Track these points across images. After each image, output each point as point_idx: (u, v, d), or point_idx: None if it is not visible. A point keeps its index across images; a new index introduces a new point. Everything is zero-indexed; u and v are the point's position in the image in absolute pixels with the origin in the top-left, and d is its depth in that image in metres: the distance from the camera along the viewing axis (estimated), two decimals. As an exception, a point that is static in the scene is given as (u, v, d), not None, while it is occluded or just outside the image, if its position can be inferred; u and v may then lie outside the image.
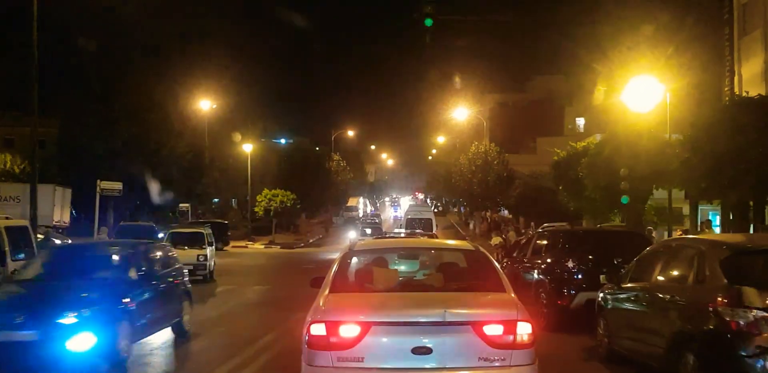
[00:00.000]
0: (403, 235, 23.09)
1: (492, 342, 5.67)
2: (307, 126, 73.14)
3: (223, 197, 48.96)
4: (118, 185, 28.39)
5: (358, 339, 5.64)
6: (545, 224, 33.73)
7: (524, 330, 5.75)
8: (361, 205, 75.92)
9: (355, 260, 7.36)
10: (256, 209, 45.46)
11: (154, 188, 46.33)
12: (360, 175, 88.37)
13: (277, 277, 26.18)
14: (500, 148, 53.58)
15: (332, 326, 5.72)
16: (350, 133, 73.32)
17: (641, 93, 19.26)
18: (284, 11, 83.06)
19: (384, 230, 38.90)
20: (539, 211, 48.94)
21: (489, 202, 53.43)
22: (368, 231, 42.26)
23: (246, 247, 44.21)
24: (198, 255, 21.49)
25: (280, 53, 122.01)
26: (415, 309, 5.96)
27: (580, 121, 74.54)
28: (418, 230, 29.33)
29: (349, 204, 72.52)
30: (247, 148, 46.01)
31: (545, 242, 14.16)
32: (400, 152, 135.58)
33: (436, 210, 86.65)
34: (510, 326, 5.70)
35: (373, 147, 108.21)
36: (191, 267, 20.92)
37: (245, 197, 46.10)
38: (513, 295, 6.42)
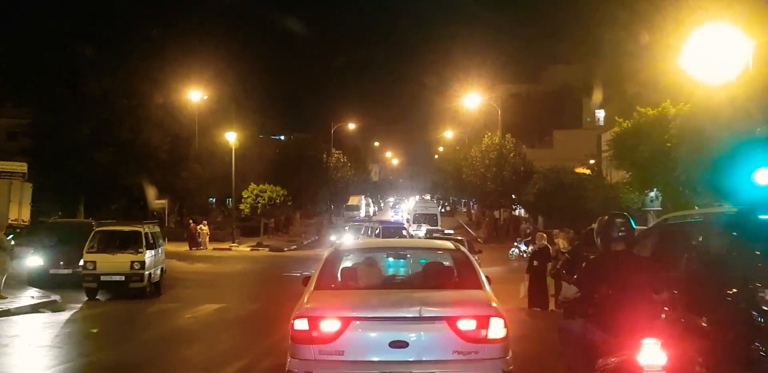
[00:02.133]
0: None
1: (465, 336, 5.90)
2: (306, 120, 67.77)
3: (206, 193, 43.55)
4: (19, 166, 22.88)
5: (339, 333, 5.88)
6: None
7: (496, 325, 5.95)
8: (363, 204, 70.25)
9: (341, 258, 7.67)
10: (242, 207, 40.03)
11: (128, 182, 41.15)
12: (362, 173, 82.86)
13: (247, 288, 20.90)
14: (516, 140, 48.04)
15: (314, 321, 5.95)
16: (351, 126, 67.74)
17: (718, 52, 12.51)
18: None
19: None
20: (561, 209, 43.47)
21: (504, 199, 47.93)
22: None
23: (230, 249, 38.90)
24: (132, 262, 16.21)
25: (279, 44, 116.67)
26: (393, 306, 6.19)
27: (600, 114, 69.27)
28: (424, 224, 31.67)
29: (349, 203, 66.96)
30: (231, 137, 40.54)
31: None
32: (405, 151, 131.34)
33: (443, 210, 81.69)
34: (483, 321, 5.92)
35: (376, 144, 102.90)
36: (122, 278, 15.69)
37: (229, 194, 40.63)
38: (489, 292, 6.61)
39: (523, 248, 33.51)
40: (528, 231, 40.20)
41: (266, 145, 49.91)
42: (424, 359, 5.93)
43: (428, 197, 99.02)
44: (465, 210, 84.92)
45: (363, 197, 71.69)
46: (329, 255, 7.55)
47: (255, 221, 43.57)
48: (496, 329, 6.00)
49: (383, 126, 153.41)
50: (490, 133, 48.94)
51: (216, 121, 45.62)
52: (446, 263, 7.58)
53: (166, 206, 39.49)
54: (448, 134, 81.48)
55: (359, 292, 6.88)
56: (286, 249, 38.99)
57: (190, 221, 40.10)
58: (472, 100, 48.33)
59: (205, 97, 47.46)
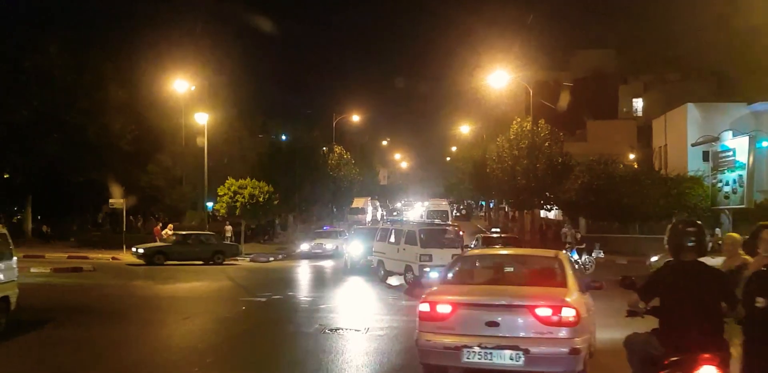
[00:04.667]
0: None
1: (542, 320, 7.51)
2: (304, 113, 59.87)
3: (177, 191, 35.74)
4: None
5: (450, 314, 7.81)
6: None
7: (567, 313, 7.50)
8: (370, 207, 62.21)
9: (465, 262, 9.92)
10: (217, 207, 32.22)
11: (79, 177, 33.55)
12: (369, 173, 74.95)
13: (154, 330, 13.04)
14: (551, 127, 40.13)
15: (433, 305, 7.95)
16: (355, 118, 60.12)
17: None
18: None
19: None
20: (611, 209, 35.48)
21: (539, 198, 39.96)
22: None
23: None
24: None
25: (277, 27, 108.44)
26: (490, 296, 8.07)
27: (638, 103, 61.60)
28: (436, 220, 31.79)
29: (354, 206, 58.98)
30: (201, 119, 32.76)
31: None
32: (416, 153, 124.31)
33: (458, 214, 74.03)
34: (556, 310, 7.51)
35: (384, 142, 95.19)
36: None
37: (202, 191, 32.78)
38: (571, 289, 8.16)
39: (575, 257, 25.74)
40: (578, 237, 32.32)
41: (257, 141, 42.11)
42: (510, 335, 7.55)
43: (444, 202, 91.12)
44: (483, 214, 76.91)
45: (369, 199, 63.64)
46: (456, 259, 10.67)
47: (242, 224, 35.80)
48: (567, 316, 7.47)
49: (392, 123, 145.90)
50: (519, 119, 41.01)
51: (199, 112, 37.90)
52: (542, 267, 9.13)
53: (124, 206, 31.72)
54: (464, 129, 73.72)
55: (469, 286, 8.83)
56: (271, 259, 31.18)
57: (159, 223, 32.43)
58: (498, 79, 40.35)
59: (193, 88, 39.71)
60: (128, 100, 35.21)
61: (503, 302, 7.73)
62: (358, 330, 12.05)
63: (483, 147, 58.11)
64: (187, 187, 35.50)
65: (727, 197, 33.12)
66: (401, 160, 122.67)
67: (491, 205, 72.51)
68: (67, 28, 35.35)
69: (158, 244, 28.54)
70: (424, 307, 7.97)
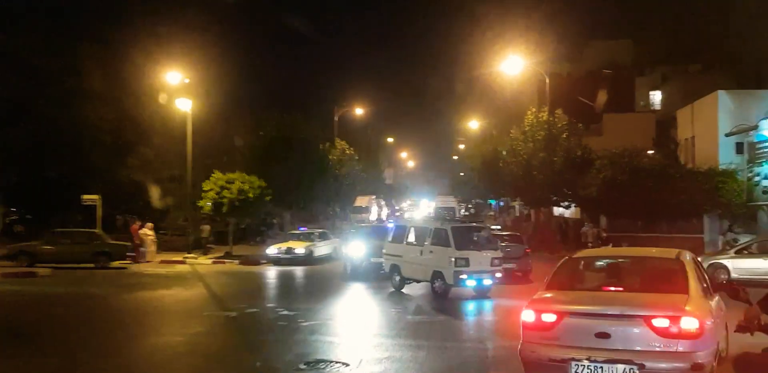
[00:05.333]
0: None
1: (659, 332, 6.82)
2: (304, 107, 56.57)
3: (161, 186, 32.54)
4: None
5: (555, 324, 7.15)
6: None
7: (688, 324, 6.77)
8: (374, 206, 58.96)
9: (575, 265, 8.68)
10: (201, 203, 29.04)
11: (52, 170, 30.55)
12: (374, 171, 71.74)
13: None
14: (569, 118, 36.86)
15: (538, 314, 7.29)
16: (358, 111, 56.85)
17: None
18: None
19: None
20: (638, 205, 32.20)
21: (556, 194, 36.67)
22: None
23: (183, 262, 27.98)
24: None
25: (277, 19, 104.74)
26: (600, 304, 7.29)
27: (656, 96, 58.32)
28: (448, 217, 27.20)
29: (357, 204, 55.74)
30: (184, 105, 29.57)
31: None
32: (423, 152, 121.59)
33: (466, 213, 71.05)
34: (675, 320, 6.78)
35: (390, 140, 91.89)
36: None
37: (189, 186, 29.51)
38: (694, 296, 7.34)
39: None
40: (604, 236, 29.08)
41: (250, 133, 38.85)
42: (623, 348, 6.86)
43: (451, 200, 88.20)
44: (492, 213, 73.67)
45: (374, 197, 60.40)
46: (564, 261, 8.63)
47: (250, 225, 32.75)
48: (688, 327, 6.75)
49: (398, 122, 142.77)
50: (534, 109, 37.75)
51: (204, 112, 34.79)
52: (661, 270, 8.25)
53: (99, 203, 28.65)
54: (473, 125, 70.61)
55: (579, 292, 8.01)
56: (264, 261, 27.99)
57: (137, 222, 29.31)
58: (512, 65, 37.02)
59: (187, 81, 36.55)
60: (107, 88, 32.10)
61: (615, 312, 7.09)
62: (347, 364, 8.95)
63: (493, 143, 55.02)
64: (171, 183, 32.28)
65: (765, 192, 29.86)
66: (408, 160, 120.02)
67: (501, 204, 69.30)
68: (40, 10, 32.01)
69: (27, 243, 25.27)
70: (528, 315, 7.43)
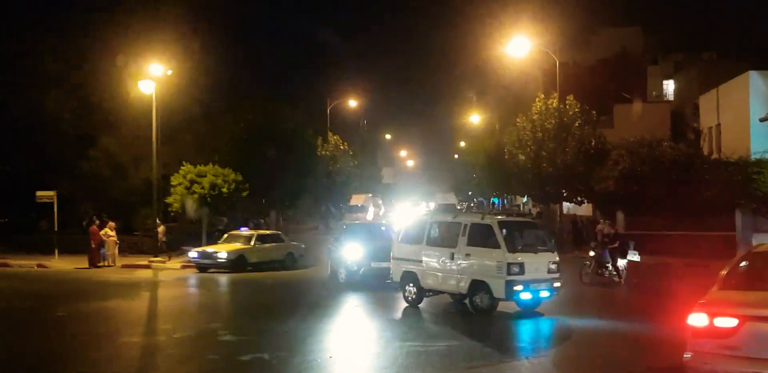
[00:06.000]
0: None
1: None
2: (294, 97, 53.01)
3: (126, 181, 29.09)
4: None
5: (735, 330, 5.98)
6: None
7: None
8: (371, 205, 55.55)
9: (756, 260, 7.35)
10: (169, 200, 25.60)
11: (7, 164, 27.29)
12: (371, 168, 68.37)
13: None
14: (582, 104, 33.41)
15: (712, 317, 6.16)
16: (352, 103, 53.52)
17: None
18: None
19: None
20: (662, 199, 28.83)
21: (568, 189, 33.24)
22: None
23: (148, 266, 24.58)
24: None
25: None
26: None
27: (669, 85, 55.00)
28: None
29: (352, 203, 52.37)
30: (147, 87, 26.09)
31: None
32: (423, 152, 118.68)
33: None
34: None
35: (388, 136, 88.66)
36: None
37: (156, 181, 25.94)
38: None
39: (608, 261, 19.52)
40: (612, 232, 25.50)
41: (231, 123, 35.42)
42: None
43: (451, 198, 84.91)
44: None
45: (370, 196, 57.01)
46: (740, 256, 7.54)
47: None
48: None
49: (396, 116, 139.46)
50: (542, 96, 34.32)
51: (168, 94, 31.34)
52: None
53: (55, 200, 25.29)
54: (475, 119, 67.27)
55: (761, 293, 6.62)
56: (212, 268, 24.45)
57: (96, 221, 25.91)
58: (518, 48, 33.52)
59: (170, 72, 33.16)
60: (67, 73, 28.71)
61: None
62: None
63: (496, 137, 51.76)
64: (137, 178, 28.80)
65: (808, 185, 26.44)
66: (407, 158, 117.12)
67: (505, 202, 65.85)
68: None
69: None
70: (698, 319, 6.29)
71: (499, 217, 14.17)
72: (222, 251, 22.94)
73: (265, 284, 20.23)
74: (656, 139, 31.58)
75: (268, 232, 26.68)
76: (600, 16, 62.18)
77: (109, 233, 25.22)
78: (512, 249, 12.73)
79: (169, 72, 33.21)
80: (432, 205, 56.86)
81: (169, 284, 19.65)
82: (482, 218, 13.67)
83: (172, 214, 27.70)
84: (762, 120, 29.15)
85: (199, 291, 18.53)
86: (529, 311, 13.18)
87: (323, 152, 46.91)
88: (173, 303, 15.54)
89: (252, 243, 23.79)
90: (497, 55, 38.86)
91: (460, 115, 74.55)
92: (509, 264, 12.52)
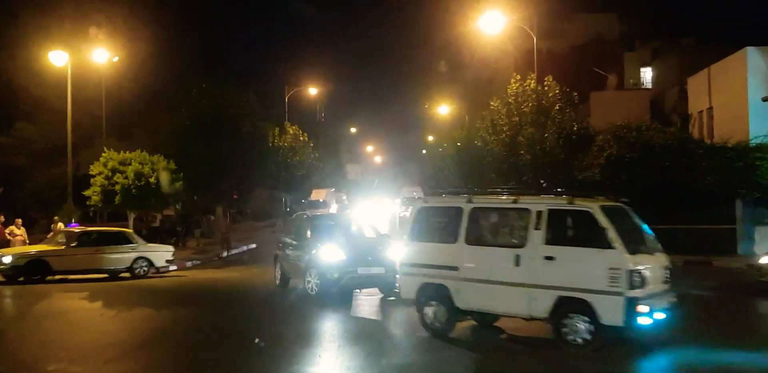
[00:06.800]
0: None
1: None
2: (251, 83, 49.36)
3: (44, 172, 25.24)
4: None
5: None
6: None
7: None
8: (333, 200, 51.98)
9: None
10: (87, 193, 21.73)
11: None
12: (334, 162, 64.81)
13: None
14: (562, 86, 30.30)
15: None
16: (312, 90, 49.86)
17: None
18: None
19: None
20: (653, 189, 25.85)
21: (548, 180, 30.09)
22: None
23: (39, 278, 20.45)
24: None
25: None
26: None
27: (646, 72, 52.55)
28: None
29: (313, 197, 48.76)
30: (57, 59, 22.15)
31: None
32: (389, 147, 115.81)
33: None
34: None
35: (353, 130, 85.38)
36: None
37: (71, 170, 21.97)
38: None
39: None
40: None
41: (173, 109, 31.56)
42: None
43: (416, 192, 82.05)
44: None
45: (332, 190, 53.40)
46: None
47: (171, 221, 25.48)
48: None
49: (362, 111, 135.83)
50: (518, 77, 31.12)
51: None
52: None
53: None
54: (443, 110, 64.09)
55: None
56: (163, 271, 20.62)
57: (1, 218, 21.92)
58: (492, 22, 30.18)
59: (116, 59, 29.30)
60: None
61: None
62: None
63: (466, 127, 48.75)
64: (59, 166, 24.87)
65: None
66: (374, 154, 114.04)
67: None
68: None
69: None
70: None
71: (600, 201, 9.29)
72: (7, 254, 17.90)
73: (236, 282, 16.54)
74: (644, 122, 28.64)
75: (101, 229, 20.66)
76: (572, 2, 59.38)
77: (15, 230, 21.31)
78: (632, 249, 8.51)
79: (115, 59, 29.52)
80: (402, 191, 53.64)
81: (82, 291, 15.89)
82: (570, 202, 9.18)
83: (91, 210, 23.81)
84: (765, 99, 26.28)
85: (119, 302, 14.70)
86: (652, 341, 9.07)
87: (281, 143, 43.29)
88: (62, 320, 11.87)
89: (66, 244, 18.42)
90: (469, 31, 35.41)
91: (430, 106, 71.53)
92: (631, 272, 8.32)
